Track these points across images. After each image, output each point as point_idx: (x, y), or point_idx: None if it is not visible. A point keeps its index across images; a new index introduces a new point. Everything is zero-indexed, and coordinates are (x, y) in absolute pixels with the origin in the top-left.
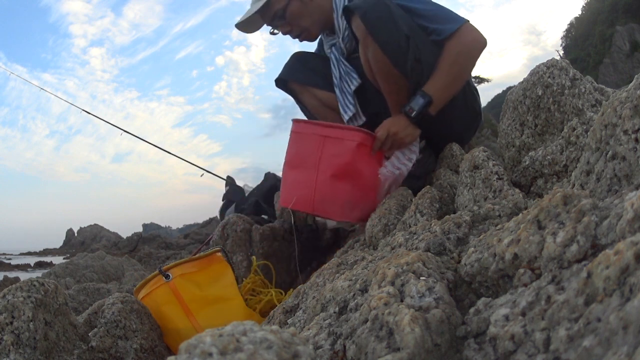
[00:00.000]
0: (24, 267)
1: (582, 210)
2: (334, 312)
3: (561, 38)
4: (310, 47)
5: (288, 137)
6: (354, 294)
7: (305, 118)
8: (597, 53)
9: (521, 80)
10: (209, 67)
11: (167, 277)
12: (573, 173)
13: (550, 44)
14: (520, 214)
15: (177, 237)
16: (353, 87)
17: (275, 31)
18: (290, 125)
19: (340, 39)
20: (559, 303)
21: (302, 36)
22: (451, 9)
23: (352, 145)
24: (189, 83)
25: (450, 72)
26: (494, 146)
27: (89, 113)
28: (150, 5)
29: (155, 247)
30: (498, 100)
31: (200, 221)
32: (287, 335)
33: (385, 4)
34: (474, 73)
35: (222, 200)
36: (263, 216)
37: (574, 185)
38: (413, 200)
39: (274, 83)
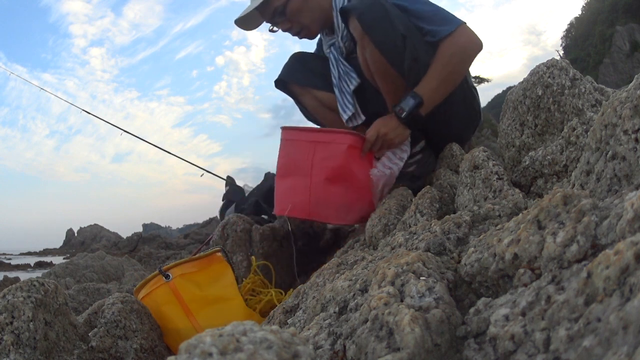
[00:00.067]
0: (24, 267)
1: (582, 210)
2: (334, 312)
3: (561, 38)
4: (310, 47)
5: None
6: (354, 294)
7: (303, 118)
8: (597, 53)
9: (521, 80)
10: (209, 67)
11: (167, 277)
12: (573, 173)
13: (550, 44)
14: (520, 214)
15: (177, 237)
16: (352, 87)
17: (275, 28)
18: (289, 125)
19: (339, 38)
20: (559, 303)
21: (301, 33)
22: (451, 9)
23: (343, 148)
24: (189, 83)
25: (443, 74)
26: (494, 146)
27: (89, 113)
28: (150, 5)
29: (155, 247)
30: (498, 100)
31: (200, 221)
32: (287, 335)
33: (382, 4)
34: (474, 73)
35: (222, 200)
36: (263, 216)
37: (574, 185)
38: (413, 200)
39: (273, 84)
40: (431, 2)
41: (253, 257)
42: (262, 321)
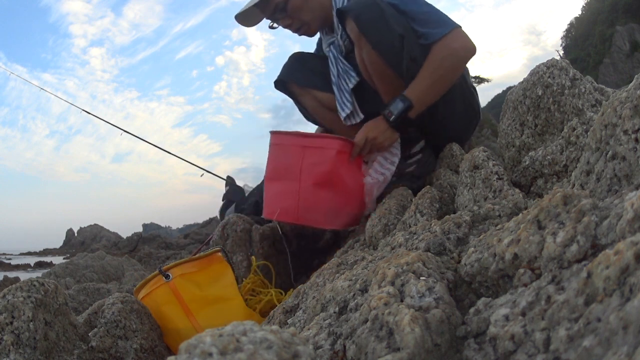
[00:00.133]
0: (24, 267)
1: (582, 210)
2: (334, 312)
3: (561, 38)
4: (310, 47)
5: None
6: (354, 294)
7: (303, 118)
8: (597, 53)
9: (521, 80)
10: (209, 67)
11: (167, 277)
12: (573, 173)
13: (550, 44)
14: (520, 214)
15: (177, 237)
16: (351, 85)
17: (275, 25)
18: (289, 126)
19: (339, 37)
20: (559, 303)
21: (301, 30)
22: (451, 9)
23: (332, 154)
24: (189, 83)
25: (433, 77)
26: (494, 146)
27: (89, 113)
28: (150, 5)
29: (155, 247)
30: (498, 100)
31: (200, 221)
32: (287, 335)
33: (378, 5)
34: (474, 73)
35: (222, 200)
36: (263, 216)
37: (574, 185)
38: (413, 200)
39: (273, 84)
40: (426, 3)
41: (253, 257)
42: (262, 321)
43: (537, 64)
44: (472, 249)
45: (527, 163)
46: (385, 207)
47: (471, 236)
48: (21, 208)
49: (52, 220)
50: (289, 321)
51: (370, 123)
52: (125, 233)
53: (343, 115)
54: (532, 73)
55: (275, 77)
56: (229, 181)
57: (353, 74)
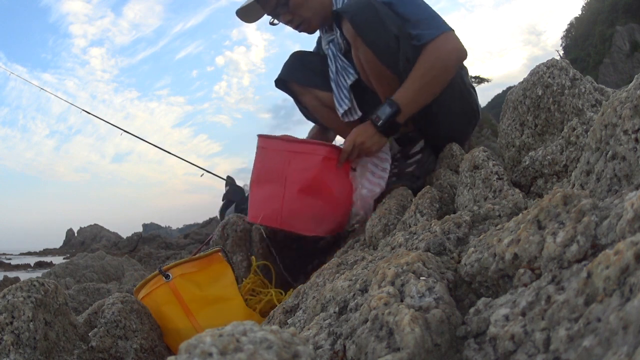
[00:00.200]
0: (24, 267)
1: (582, 210)
2: (334, 312)
3: (561, 38)
4: (310, 48)
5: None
6: (354, 294)
7: (303, 118)
8: (597, 53)
9: (521, 80)
10: (209, 67)
11: (167, 277)
12: (573, 173)
13: (550, 44)
14: (520, 214)
15: (177, 237)
16: (349, 82)
17: (275, 21)
18: (289, 126)
19: (338, 35)
20: (559, 303)
21: (301, 26)
22: (451, 9)
23: (318, 160)
24: (189, 83)
25: (422, 81)
26: (494, 146)
27: (89, 113)
28: (150, 5)
29: (155, 247)
30: (498, 100)
31: (200, 221)
32: (287, 335)
33: (373, 6)
34: (474, 73)
35: (222, 200)
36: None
37: (574, 185)
38: (413, 200)
39: (273, 83)
40: (422, 5)
41: (253, 257)
42: (262, 321)
43: (537, 64)
44: (472, 249)
45: (527, 163)
46: (385, 207)
47: (471, 236)
48: (21, 208)
49: (52, 220)
50: (289, 321)
51: (358, 128)
52: (125, 233)
53: (341, 111)
54: (532, 73)
55: (275, 77)
56: (229, 181)
57: (352, 71)
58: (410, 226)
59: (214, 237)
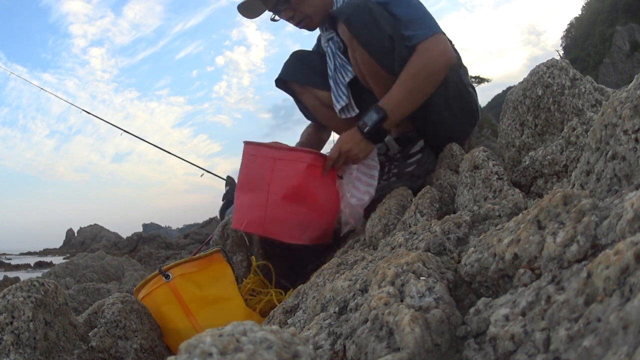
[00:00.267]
0: (24, 267)
1: (582, 210)
2: (334, 312)
3: (561, 38)
4: (310, 47)
5: (287, 137)
6: (354, 294)
7: (303, 118)
8: (597, 53)
9: (521, 80)
10: (209, 67)
11: (167, 277)
12: (573, 173)
13: (550, 44)
14: (520, 214)
15: (177, 237)
16: (347, 79)
17: (276, 18)
18: (289, 126)
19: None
20: (559, 303)
21: (302, 23)
22: (451, 9)
23: (302, 167)
24: (189, 83)
25: (410, 86)
26: (494, 146)
27: (89, 113)
28: (150, 5)
29: (155, 247)
30: (498, 100)
31: (200, 221)
32: (287, 335)
33: (368, 7)
34: (474, 73)
35: (222, 200)
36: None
37: (574, 185)
38: (413, 200)
39: (274, 83)
40: (415, 5)
41: (253, 257)
42: (262, 321)
43: (537, 64)
44: (472, 249)
45: (527, 163)
46: (385, 207)
47: (471, 236)
48: (21, 208)
49: (52, 220)
50: (289, 321)
51: (345, 135)
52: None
53: (338, 107)
54: (532, 73)
55: (275, 77)
56: (229, 181)
57: (350, 68)
58: (410, 226)
59: (214, 237)
